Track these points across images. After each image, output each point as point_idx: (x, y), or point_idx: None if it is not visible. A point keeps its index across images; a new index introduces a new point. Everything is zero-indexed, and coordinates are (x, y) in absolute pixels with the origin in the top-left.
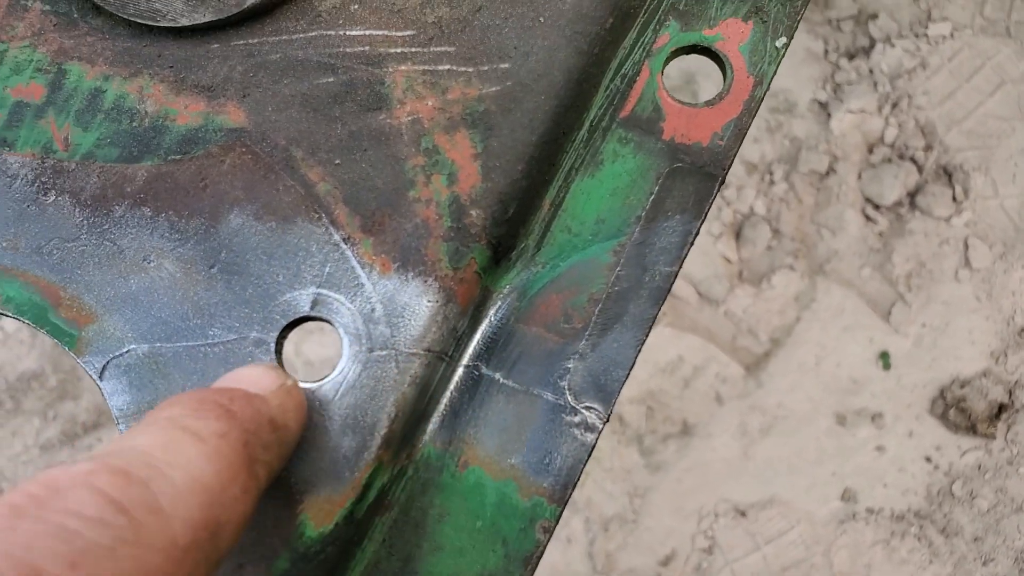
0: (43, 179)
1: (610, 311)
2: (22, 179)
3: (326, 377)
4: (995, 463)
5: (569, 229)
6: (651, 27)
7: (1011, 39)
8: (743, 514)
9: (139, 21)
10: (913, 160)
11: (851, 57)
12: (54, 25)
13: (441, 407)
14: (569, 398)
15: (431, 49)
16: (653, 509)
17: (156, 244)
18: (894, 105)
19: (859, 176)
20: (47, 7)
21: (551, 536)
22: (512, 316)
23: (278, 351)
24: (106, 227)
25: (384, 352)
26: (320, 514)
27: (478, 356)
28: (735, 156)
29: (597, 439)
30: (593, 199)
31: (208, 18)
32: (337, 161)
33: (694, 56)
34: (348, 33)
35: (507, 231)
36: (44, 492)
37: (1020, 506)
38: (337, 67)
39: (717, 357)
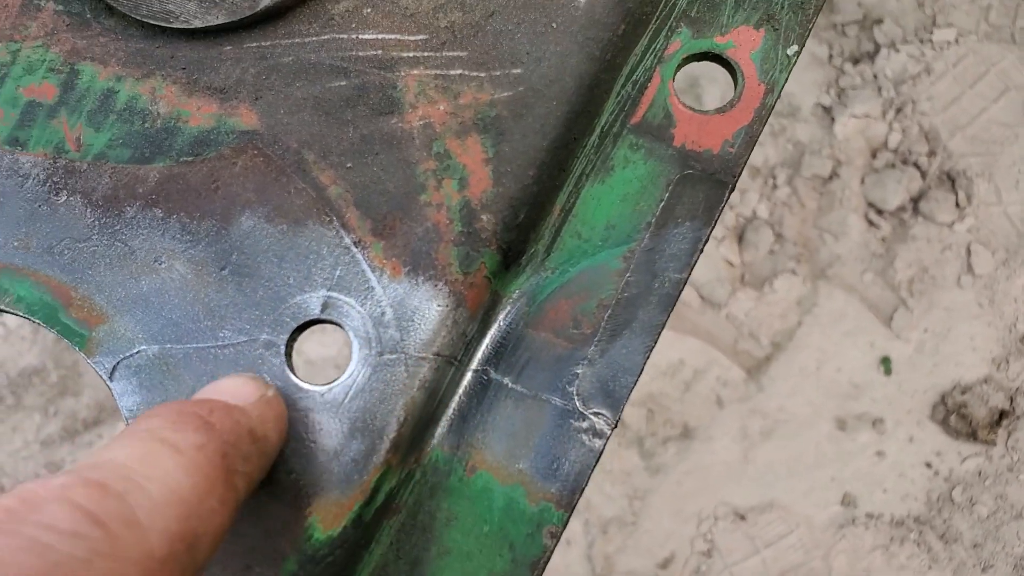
0: (55, 179)
1: (619, 317)
2: (34, 179)
3: (336, 380)
4: (995, 470)
5: (579, 234)
6: (663, 34)
7: (1016, 45)
8: (742, 518)
9: (152, 22)
10: (916, 165)
11: (855, 62)
12: (67, 25)
13: (450, 411)
14: (577, 404)
15: (443, 54)
16: (652, 512)
17: (167, 245)
18: (898, 110)
19: (862, 181)
20: (60, 7)
21: (558, 541)
22: (521, 321)
23: (288, 353)
24: (117, 228)
25: (394, 356)
26: (328, 517)
27: (487, 361)
28: (745, 164)
29: (605, 445)
30: (603, 205)
31: (221, 20)
32: (349, 164)
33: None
34: (361, 37)
35: (517, 236)
36: (20, 506)
37: (1020, 513)
38: (349, 71)
39: (718, 360)
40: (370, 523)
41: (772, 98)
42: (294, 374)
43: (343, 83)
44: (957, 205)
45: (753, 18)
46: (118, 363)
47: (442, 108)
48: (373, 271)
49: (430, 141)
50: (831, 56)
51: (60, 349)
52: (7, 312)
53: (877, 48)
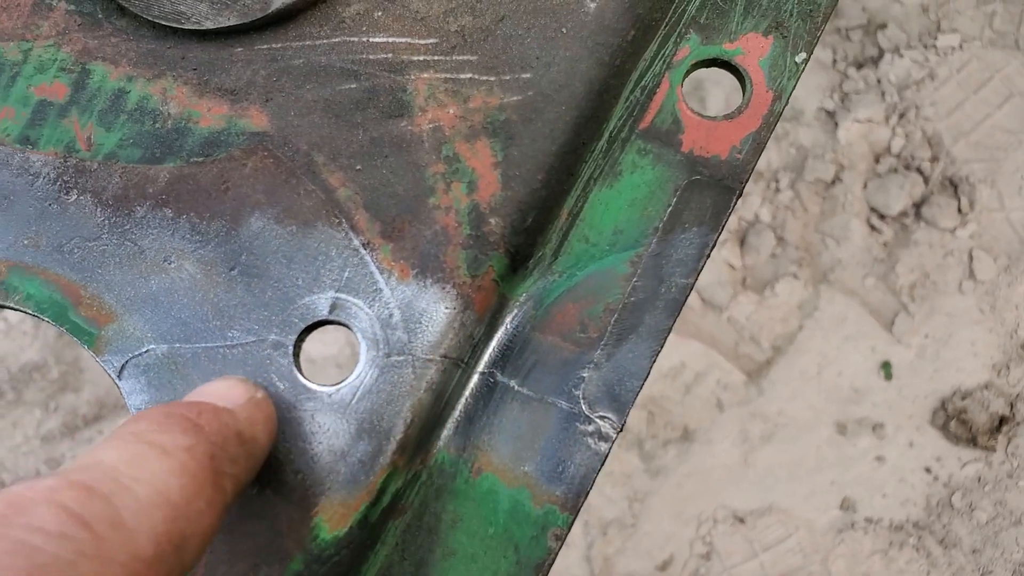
0: (65, 178)
1: (626, 321)
2: (44, 178)
3: (343, 381)
4: (995, 476)
5: (587, 239)
6: (672, 40)
7: (1020, 52)
8: (742, 521)
9: (163, 23)
10: (919, 171)
11: (859, 67)
12: (78, 25)
13: (456, 413)
14: (583, 407)
15: (454, 58)
16: (652, 514)
17: (177, 245)
18: (901, 115)
19: (865, 186)
20: (72, 7)
21: (563, 544)
22: (528, 324)
23: (296, 354)
24: (127, 227)
25: (401, 357)
26: (335, 517)
27: (494, 363)
28: (753, 170)
29: (610, 448)
30: (611, 210)
31: (232, 22)
32: (358, 167)
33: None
34: (371, 40)
35: (525, 240)
36: (6, 508)
37: (1019, 519)
38: (360, 73)
39: (719, 363)
40: (376, 524)
41: (780, 105)
42: (302, 375)
43: (353, 86)
44: (959, 211)
45: (762, 25)
46: (127, 362)
47: (452, 112)
48: (381, 273)
49: (439, 144)
50: (835, 60)
51: (61, 345)
52: (17, 310)
53: (881, 53)
